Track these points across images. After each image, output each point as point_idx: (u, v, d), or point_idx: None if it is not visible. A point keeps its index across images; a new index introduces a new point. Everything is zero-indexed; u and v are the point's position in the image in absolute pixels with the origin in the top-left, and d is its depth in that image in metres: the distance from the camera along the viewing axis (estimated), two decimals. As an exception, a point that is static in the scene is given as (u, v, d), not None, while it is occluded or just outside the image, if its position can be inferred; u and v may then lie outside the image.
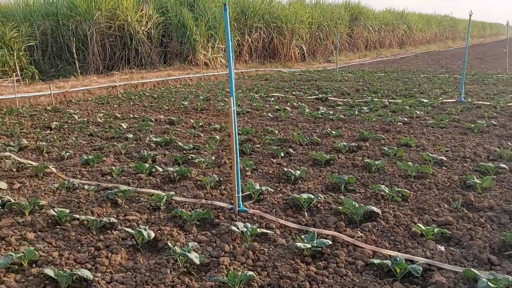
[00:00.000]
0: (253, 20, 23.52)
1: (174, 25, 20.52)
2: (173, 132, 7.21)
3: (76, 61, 17.86)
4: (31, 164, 5.56)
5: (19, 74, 15.41)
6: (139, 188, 4.56)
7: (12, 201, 4.17)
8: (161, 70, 18.90)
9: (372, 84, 12.63)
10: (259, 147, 5.99)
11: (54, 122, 8.24)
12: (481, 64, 20.18)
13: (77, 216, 3.82)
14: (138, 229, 3.36)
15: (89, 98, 12.57)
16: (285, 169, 4.85)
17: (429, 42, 46.06)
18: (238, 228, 3.42)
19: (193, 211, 3.81)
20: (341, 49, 31.11)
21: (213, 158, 5.50)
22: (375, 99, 9.65)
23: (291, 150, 5.73)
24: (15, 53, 15.55)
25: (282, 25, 24.59)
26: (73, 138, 7.01)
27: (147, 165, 5.15)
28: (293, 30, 25.29)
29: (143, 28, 19.43)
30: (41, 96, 12.24)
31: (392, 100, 9.50)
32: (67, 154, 5.94)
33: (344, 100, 9.91)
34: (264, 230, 3.45)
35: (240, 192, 3.91)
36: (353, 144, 5.90)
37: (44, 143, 6.55)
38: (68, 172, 5.32)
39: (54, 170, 5.25)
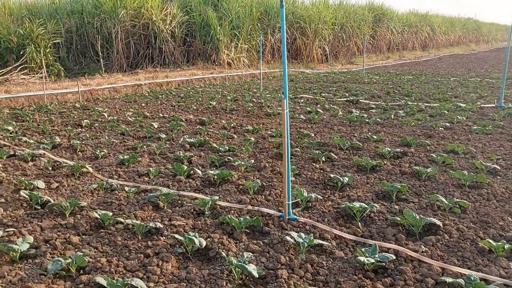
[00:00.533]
0: (276, 20, 23.30)
1: (197, 24, 20.43)
2: (205, 132, 7.06)
3: (101, 59, 17.87)
4: (66, 163, 5.45)
5: (45, 71, 15.47)
6: (181, 192, 4.40)
7: (52, 201, 4.05)
8: (185, 70, 18.83)
9: (402, 87, 12.31)
10: (298, 151, 5.79)
11: (85, 120, 8.16)
12: None
13: (121, 219, 3.66)
14: (188, 236, 3.19)
15: (115, 96, 12.53)
16: (331, 175, 4.64)
17: (452, 45, 45.27)
18: (292, 239, 3.23)
19: (241, 218, 3.63)
20: (359, 51, 30.73)
21: (252, 161, 5.31)
22: (409, 103, 9.36)
23: (332, 154, 5.51)
24: (41, 50, 15.61)
25: (306, 25, 24.35)
26: (106, 136, 6.90)
27: (185, 166, 4.99)
28: (316, 30, 25.03)
29: (167, 27, 19.39)
30: (68, 93, 12.25)
31: (427, 104, 9.20)
32: (101, 153, 5.82)
33: (377, 103, 9.64)
34: (320, 241, 3.25)
35: (290, 199, 3.72)
36: (398, 149, 5.65)
37: (77, 142, 6.44)
38: (104, 172, 5.19)
39: (90, 169, 5.13)
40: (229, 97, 10.93)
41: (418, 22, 37.31)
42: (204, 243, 3.19)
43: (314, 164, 5.24)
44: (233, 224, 3.56)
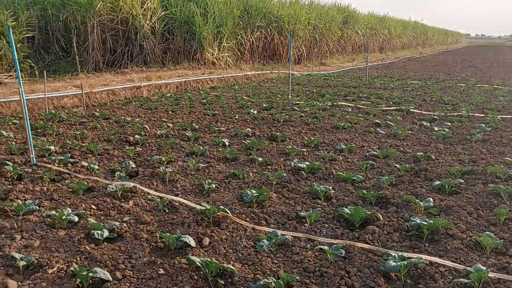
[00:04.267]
0: (255, 18, 22.36)
1: (178, 21, 18.96)
2: (300, 152, 5.98)
3: (77, 56, 15.88)
4: (183, 203, 4.20)
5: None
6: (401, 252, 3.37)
7: (231, 269, 2.90)
8: (171, 69, 17.36)
9: (431, 94, 11.83)
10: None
11: (131, 137, 6.77)
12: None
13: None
14: None
15: (114, 100, 10.98)
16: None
17: (404, 47, 46.65)
18: None
19: None
20: (332, 52, 30.61)
21: (431, 201, 4.24)
22: (469, 114, 8.76)
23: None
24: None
25: (284, 25, 23.60)
26: (180, 158, 5.63)
27: (364, 212, 3.84)
28: (293, 30, 24.36)
29: (147, 22, 17.79)
30: (65, 97, 10.54)
31: (504, 116, 8.57)
32: (209, 186, 4.60)
33: (432, 113, 9.00)
34: None
35: None
36: None
37: (161, 169, 5.13)
38: (242, 215, 4.02)
39: (229, 213, 3.93)
40: (264, 104, 9.84)
41: (378, 25, 37.91)
42: None
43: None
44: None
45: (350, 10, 32.10)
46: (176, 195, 4.46)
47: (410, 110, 9.23)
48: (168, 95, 11.82)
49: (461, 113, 8.71)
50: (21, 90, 5.31)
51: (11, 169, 4.99)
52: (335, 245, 3.27)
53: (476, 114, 8.67)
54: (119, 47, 17.69)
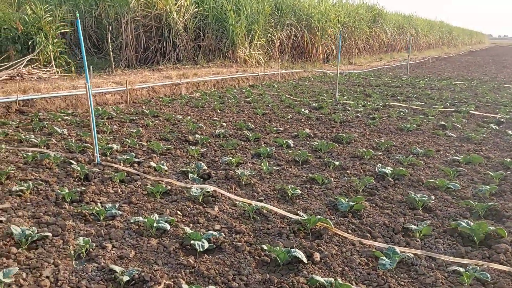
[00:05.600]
0: (286, 16, 21.98)
1: (210, 18, 18.68)
2: (374, 157, 5.60)
3: (111, 53, 15.67)
4: (275, 212, 3.87)
5: (54, 65, 13.30)
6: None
7: None
8: (205, 67, 17.07)
9: (483, 95, 11.32)
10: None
11: (190, 136, 6.47)
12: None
13: None
14: None
15: (154, 97, 10.76)
16: None
17: (429, 47, 45.75)
18: None
19: None
20: (361, 51, 30.06)
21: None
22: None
23: None
24: (50, 41, 13.40)
25: (314, 22, 23.16)
26: (249, 160, 5.31)
27: (488, 228, 3.48)
28: (324, 29, 23.92)
29: (180, 19, 17.54)
30: (107, 93, 10.32)
31: None
32: (293, 191, 4.24)
33: (493, 115, 8.53)
34: None
35: None
36: None
37: (236, 172, 4.81)
38: (341, 226, 3.66)
39: (331, 224, 3.57)
40: (314, 104, 9.48)
41: (405, 24, 37.21)
42: None
43: None
44: None
45: (379, 8, 31.46)
46: (260, 201, 4.13)
47: (470, 111, 8.76)
48: (209, 93, 11.52)
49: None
50: (88, 86, 5.03)
51: (78, 169, 4.72)
52: (472, 267, 2.89)
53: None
54: (152, 44, 17.47)
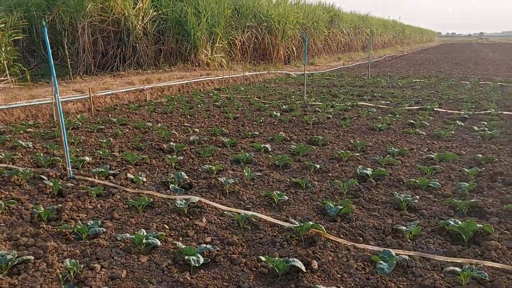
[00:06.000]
0: (246, 18, 21.99)
1: (169, 21, 18.41)
2: (352, 158, 5.65)
3: (68, 59, 15.12)
4: (264, 220, 3.81)
5: (8, 74, 12.73)
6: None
7: None
8: (167, 71, 16.81)
9: (443, 92, 11.69)
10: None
11: (170, 142, 6.31)
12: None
13: None
14: None
15: (118, 104, 10.47)
16: None
17: (384, 46, 47.03)
18: None
19: None
20: (319, 52, 30.49)
21: None
22: (494, 112, 8.57)
23: None
24: (3, 49, 12.78)
25: (274, 24, 23.29)
26: (223, 166, 5.22)
27: (476, 225, 3.51)
28: (284, 30, 24.11)
29: (139, 23, 17.18)
30: (68, 102, 9.93)
31: None
32: (281, 198, 4.20)
33: (454, 111, 8.81)
34: None
35: None
36: None
37: (218, 180, 4.71)
38: (332, 231, 3.65)
39: (324, 231, 3.55)
40: (284, 106, 9.49)
41: (361, 24, 38.08)
42: None
43: None
44: None
45: (336, 9, 32.05)
46: (247, 209, 4.05)
47: (435, 109, 9.01)
48: (175, 98, 11.31)
49: (489, 111, 8.53)
50: (57, 95, 4.78)
51: (51, 184, 4.48)
52: (467, 266, 2.93)
53: (505, 112, 8.51)
54: (111, 49, 17.01)
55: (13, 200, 4.18)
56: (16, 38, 14.28)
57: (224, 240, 3.43)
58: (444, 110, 8.97)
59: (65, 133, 4.88)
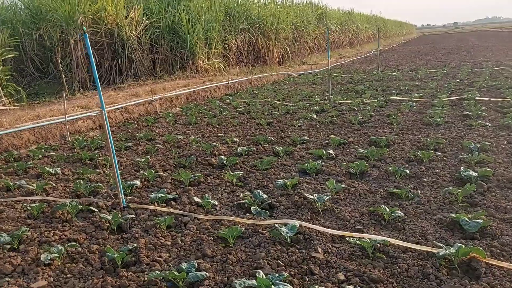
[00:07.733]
0: (239, 21, 21.36)
1: (163, 29, 17.64)
2: (434, 158, 5.01)
3: (63, 75, 14.19)
4: (391, 244, 3.12)
5: (3, 95, 11.82)
6: None
7: None
8: (167, 80, 16.05)
9: (469, 80, 11.17)
10: None
11: (219, 156, 5.57)
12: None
13: None
14: None
15: (129, 118, 9.69)
16: None
17: (368, 41, 46.95)
18: None
19: None
20: (311, 50, 30.05)
21: None
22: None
23: None
24: (-5, 68, 11.88)
25: (267, 25, 22.71)
26: (296, 180, 4.53)
27: None
28: (277, 31, 23.54)
29: (133, 32, 16.37)
30: (78, 120, 9.11)
31: None
32: (395, 215, 3.52)
33: (497, 99, 8.27)
34: None
35: None
36: None
37: (298, 196, 4.01)
38: (495, 253, 2.98)
39: (484, 255, 2.87)
40: (315, 107, 8.82)
41: (347, 20, 37.84)
42: None
43: None
44: None
45: (323, 7, 31.68)
46: (359, 231, 3.37)
47: (476, 98, 8.46)
48: (190, 107, 10.57)
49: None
50: (105, 114, 4.02)
51: (109, 218, 3.72)
52: None
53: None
54: (106, 62, 16.15)
55: (70, 242, 3.42)
56: (8, 56, 13.29)
57: (364, 277, 2.73)
58: (487, 99, 8.41)
59: (115, 156, 4.13)
